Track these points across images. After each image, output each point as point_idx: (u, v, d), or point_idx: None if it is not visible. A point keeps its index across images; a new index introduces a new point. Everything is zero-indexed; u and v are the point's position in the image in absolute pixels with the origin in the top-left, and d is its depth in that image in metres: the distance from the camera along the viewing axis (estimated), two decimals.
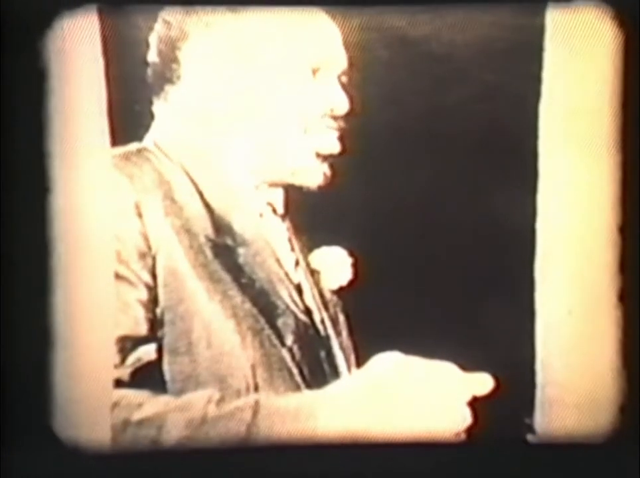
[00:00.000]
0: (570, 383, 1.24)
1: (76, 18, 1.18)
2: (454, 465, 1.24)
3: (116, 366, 1.21)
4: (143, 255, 1.21)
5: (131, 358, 1.21)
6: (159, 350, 1.21)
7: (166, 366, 1.21)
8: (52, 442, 1.17)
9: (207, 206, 1.26)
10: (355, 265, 1.29)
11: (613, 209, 1.20)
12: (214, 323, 1.22)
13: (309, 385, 1.26)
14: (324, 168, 1.28)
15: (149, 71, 1.26)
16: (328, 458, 1.21)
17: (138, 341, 1.21)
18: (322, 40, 1.26)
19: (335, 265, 1.30)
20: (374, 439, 1.22)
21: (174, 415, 1.20)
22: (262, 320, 1.24)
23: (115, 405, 1.21)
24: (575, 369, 1.24)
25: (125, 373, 1.21)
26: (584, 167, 1.23)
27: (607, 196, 1.21)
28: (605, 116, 1.21)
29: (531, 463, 1.23)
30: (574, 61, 1.22)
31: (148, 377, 1.21)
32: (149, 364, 1.21)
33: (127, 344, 1.21)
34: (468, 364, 1.24)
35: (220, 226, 1.25)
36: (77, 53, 1.18)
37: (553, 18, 1.23)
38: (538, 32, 1.24)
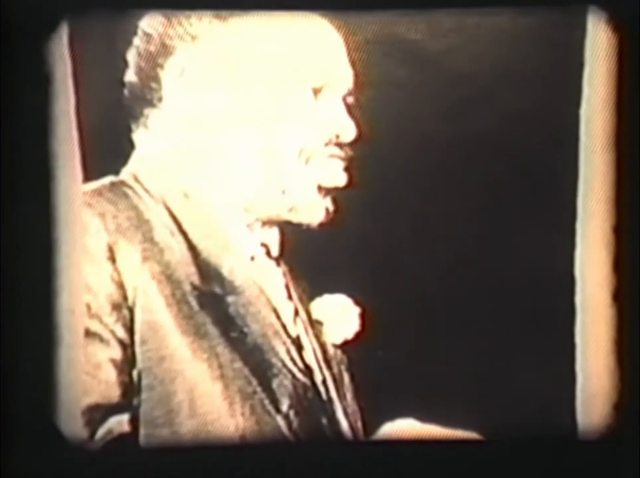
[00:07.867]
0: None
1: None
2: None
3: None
4: (117, 307, 1.14)
5: (101, 431, 1.15)
6: (133, 421, 1.15)
7: (142, 439, 1.15)
8: (56, 439, 1.17)
9: (192, 248, 1.19)
10: (362, 316, 1.22)
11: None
12: (198, 387, 1.15)
13: None
14: (327, 203, 1.22)
15: (126, 92, 1.20)
16: None
17: (109, 410, 1.14)
18: (325, 55, 1.21)
19: (339, 315, 1.23)
20: None
21: None
22: (254, 382, 1.17)
23: None
24: None
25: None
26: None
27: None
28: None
29: (525, 459, 1.21)
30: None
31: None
32: (121, 436, 1.15)
33: (97, 415, 1.14)
34: (495, 435, 1.19)
35: (207, 272, 1.19)
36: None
37: (594, 30, 1.18)
38: (577, 47, 1.18)
